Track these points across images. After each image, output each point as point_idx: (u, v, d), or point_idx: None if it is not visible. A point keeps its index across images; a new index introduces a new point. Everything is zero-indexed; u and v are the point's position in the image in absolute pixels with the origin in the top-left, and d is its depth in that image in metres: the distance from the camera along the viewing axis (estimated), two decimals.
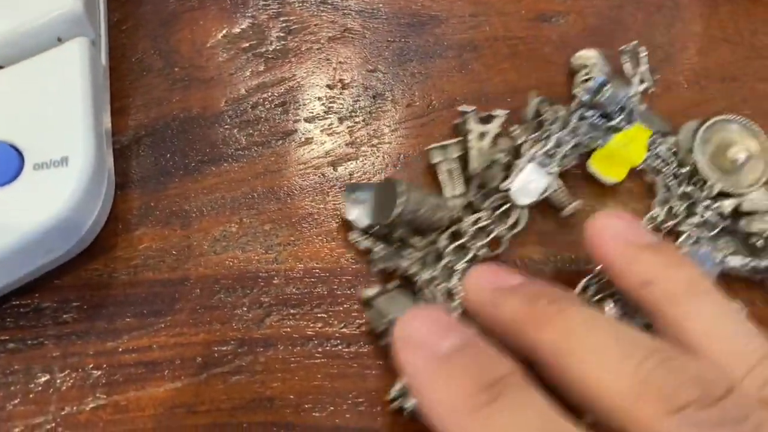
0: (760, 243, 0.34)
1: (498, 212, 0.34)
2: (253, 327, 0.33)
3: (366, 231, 0.34)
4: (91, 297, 0.34)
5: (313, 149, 0.38)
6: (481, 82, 0.40)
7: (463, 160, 0.36)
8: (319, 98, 0.39)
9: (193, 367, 0.32)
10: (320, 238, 0.35)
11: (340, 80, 0.40)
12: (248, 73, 0.40)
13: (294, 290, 0.34)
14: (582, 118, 0.36)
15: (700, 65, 0.41)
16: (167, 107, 0.39)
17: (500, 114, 0.36)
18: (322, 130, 0.38)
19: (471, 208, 0.35)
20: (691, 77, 0.41)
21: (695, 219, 0.35)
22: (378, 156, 0.38)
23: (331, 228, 0.35)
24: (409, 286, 0.33)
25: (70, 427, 0.31)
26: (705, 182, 0.36)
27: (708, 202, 0.35)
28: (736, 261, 0.33)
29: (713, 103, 0.40)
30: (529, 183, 0.34)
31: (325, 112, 0.39)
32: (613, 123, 0.36)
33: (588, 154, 0.37)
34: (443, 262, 0.33)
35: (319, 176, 0.37)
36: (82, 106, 0.32)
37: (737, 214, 0.35)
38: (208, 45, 0.41)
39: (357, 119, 0.39)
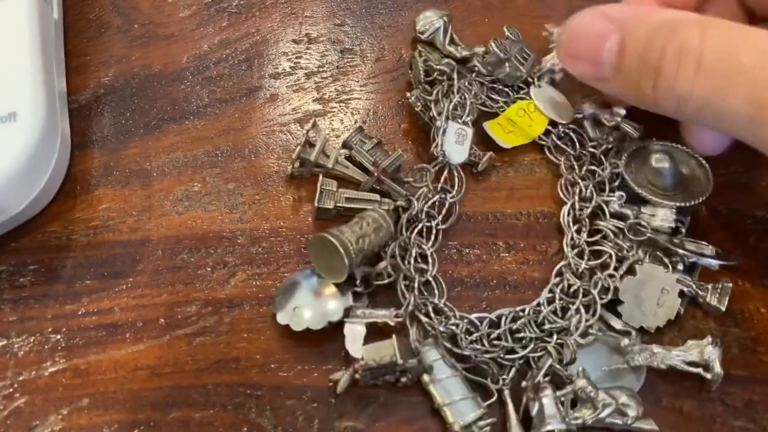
0: None
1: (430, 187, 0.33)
2: (218, 287, 0.32)
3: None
4: (50, 260, 0.32)
5: (278, 106, 0.36)
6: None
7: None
8: (285, 53, 0.38)
9: (156, 329, 0.31)
10: (286, 196, 0.34)
11: (307, 35, 0.38)
12: (211, 29, 0.38)
13: (260, 249, 0.33)
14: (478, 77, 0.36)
15: None
16: (127, 65, 0.37)
17: (311, 127, 0.34)
18: (288, 87, 0.37)
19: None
20: None
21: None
22: (347, 112, 0.37)
23: (299, 186, 0.34)
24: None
25: (29, 392, 0.30)
26: None
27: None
28: None
29: None
30: (457, 140, 0.33)
31: (291, 67, 0.38)
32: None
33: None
34: (412, 255, 0.32)
35: (285, 133, 0.36)
36: (31, 61, 0.30)
37: None
38: (169, 0, 0.39)
39: (325, 75, 0.38)
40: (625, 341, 0.30)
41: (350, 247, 0.29)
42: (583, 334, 0.30)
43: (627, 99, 0.30)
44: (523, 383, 0.29)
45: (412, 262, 0.32)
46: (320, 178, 0.33)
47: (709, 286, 0.31)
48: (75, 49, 0.37)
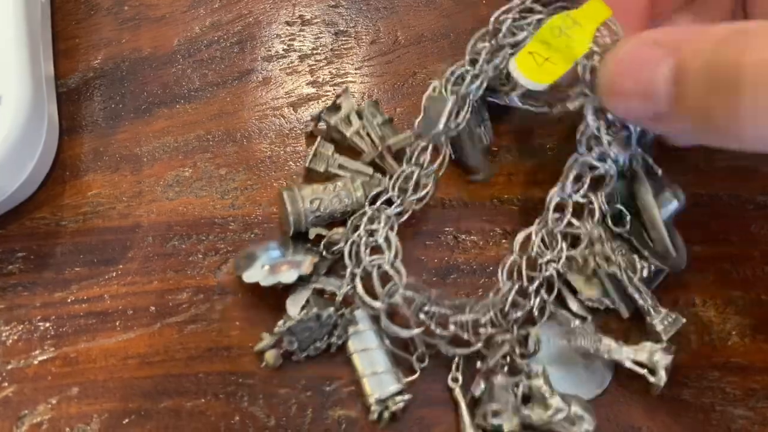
0: None
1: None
2: (209, 274, 0.32)
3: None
4: (38, 246, 0.32)
5: (271, 89, 0.36)
6: (450, 16, 0.38)
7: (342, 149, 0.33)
8: (278, 36, 0.37)
9: (147, 316, 0.31)
10: (279, 182, 0.33)
11: (300, 16, 0.38)
12: (202, 11, 0.37)
13: (252, 236, 0.32)
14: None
15: None
16: (116, 48, 0.36)
17: (342, 92, 0.33)
18: (281, 69, 0.36)
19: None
20: None
21: None
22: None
23: (291, 171, 0.34)
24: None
25: (17, 381, 0.29)
26: None
27: None
28: None
29: None
30: (430, 110, 0.31)
31: (284, 50, 0.37)
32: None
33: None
34: (363, 222, 0.30)
35: (278, 117, 0.35)
36: (16, 43, 0.29)
37: None
38: None
39: (319, 57, 0.37)
40: (576, 323, 0.29)
41: (300, 202, 0.30)
42: (541, 310, 0.29)
43: (690, 136, 0.26)
44: (478, 364, 0.28)
45: (362, 227, 0.30)
46: (318, 139, 0.32)
47: (663, 311, 0.29)
48: (63, 32, 0.37)
